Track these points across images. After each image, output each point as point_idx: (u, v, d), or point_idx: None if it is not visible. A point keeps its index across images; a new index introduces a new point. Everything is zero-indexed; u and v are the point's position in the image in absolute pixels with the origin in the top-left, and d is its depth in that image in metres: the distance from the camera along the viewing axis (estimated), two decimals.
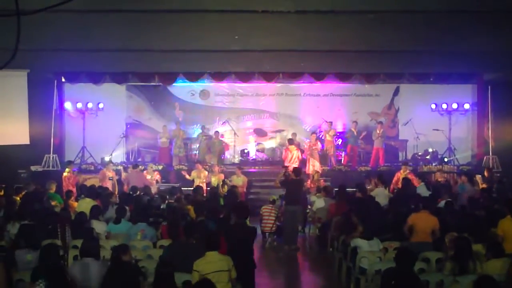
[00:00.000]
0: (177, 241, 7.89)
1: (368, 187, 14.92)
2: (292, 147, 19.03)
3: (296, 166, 18.40)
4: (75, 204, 12.67)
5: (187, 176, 17.87)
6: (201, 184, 16.29)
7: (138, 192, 14.11)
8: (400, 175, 16.51)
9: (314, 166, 18.88)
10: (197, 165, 18.19)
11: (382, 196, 13.56)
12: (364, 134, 20.63)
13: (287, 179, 13.84)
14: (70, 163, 17.79)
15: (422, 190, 14.08)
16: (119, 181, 17.68)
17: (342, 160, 20.71)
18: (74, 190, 15.72)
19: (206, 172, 17.85)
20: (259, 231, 11.92)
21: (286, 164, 18.01)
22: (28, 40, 13.11)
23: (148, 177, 17.66)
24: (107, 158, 19.98)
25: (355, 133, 20.43)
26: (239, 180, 17.30)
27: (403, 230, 9.43)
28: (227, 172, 19.14)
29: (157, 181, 17.85)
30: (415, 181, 16.01)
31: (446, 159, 20.52)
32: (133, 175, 17.27)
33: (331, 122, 20.92)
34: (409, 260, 6.52)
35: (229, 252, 7.64)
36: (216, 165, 18.72)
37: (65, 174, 16.86)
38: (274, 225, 13.77)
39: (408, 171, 16.92)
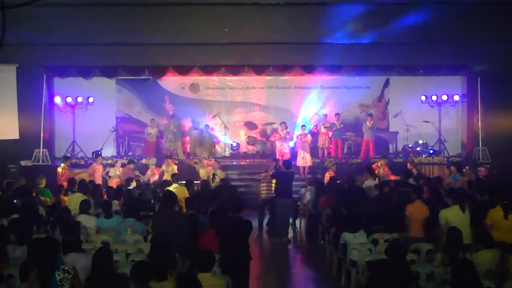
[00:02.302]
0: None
1: (364, 180, 14.85)
2: (282, 130, 19.48)
3: (287, 150, 19.11)
4: (66, 198, 12.60)
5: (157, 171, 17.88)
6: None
7: (132, 187, 14.09)
8: (376, 167, 16.51)
9: (304, 158, 18.92)
10: (167, 160, 18.15)
11: (373, 188, 13.56)
12: (341, 126, 20.49)
13: (277, 172, 13.83)
14: (67, 158, 17.74)
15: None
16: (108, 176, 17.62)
17: (331, 153, 20.65)
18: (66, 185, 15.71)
19: (175, 166, 17.81)
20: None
21: (276, 145, 19.29)
22: (17, 34, 13.05)
23: (149, 173, 17.76)
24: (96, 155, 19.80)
25: (337, 125, 20.37)
26: (205, 171, 17.08)
27: (403, 223, 9.41)
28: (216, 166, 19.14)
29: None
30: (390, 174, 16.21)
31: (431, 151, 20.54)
32: (123, 171, 17.26)
33: (326, 115, 20.91)
34: (401, 252, 6.52)
35: (222, 246, 7.65)
36: (206, 158, 18.69)
37: (59, 169, 16.82)
38: (270, 190, 14.02)
39: (384, 164, 16.99)
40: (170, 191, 9.21)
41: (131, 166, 17.61)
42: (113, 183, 16.37)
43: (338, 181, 14.92)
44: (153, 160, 19.18)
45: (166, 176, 16.91)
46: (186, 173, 17.46)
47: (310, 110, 22.67)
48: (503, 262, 6.63)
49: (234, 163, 20.42)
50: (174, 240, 6.92)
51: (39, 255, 6.25)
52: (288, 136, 19.47)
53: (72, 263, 6.33)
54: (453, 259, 6.62)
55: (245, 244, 7.85)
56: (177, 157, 20.07)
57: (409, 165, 16.26)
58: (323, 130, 20.28)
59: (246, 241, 7.90)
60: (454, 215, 8.63)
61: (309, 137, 19.37)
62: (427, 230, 9.15)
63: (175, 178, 13.80)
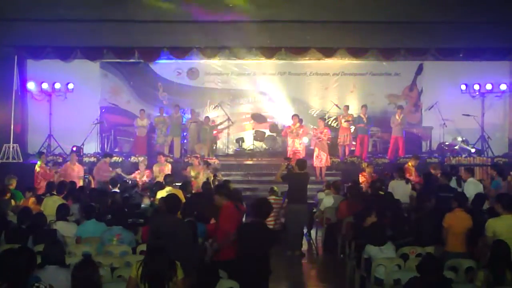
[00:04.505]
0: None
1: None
2: (294, 124, 19.38)
3: (301, 147, 19.09)
4: (31, 201, 12.60)
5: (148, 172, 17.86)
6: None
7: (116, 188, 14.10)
8: (408, 167, 16.47)
9: (319, 157, 18.85)
10: (159, 157, 18.16)
11: (401, 191, 13.53)
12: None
13: (290, 173, 13.79)
14: (41, 154, 17.74)
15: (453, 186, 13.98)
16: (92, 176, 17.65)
17: (355, 151, 20.58)
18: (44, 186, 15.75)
19: (170, 166, 17.85)
20: None
21: (288, 141, 19.24)
22: None
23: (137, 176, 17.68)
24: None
25: (364, 119, 20.29)
26: (196, 173, 17.05)
27: (439, 234, 9.36)
28: (218, 165, 19.19)
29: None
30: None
31: (473, 150, 20.39)
32: (99, 167, 17.26)
33: (347, 106, 20.86)
34: (435, 270, 6.48)
35: (240, 255, 7.85)
36: (198, 157, 18.72)
37: (37, 168, 16.82)
38: (277, 221, 13.83)
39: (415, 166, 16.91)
40: (175, 194, 9.23)
41: (107, 160, 17.56)
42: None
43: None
44: (141, 158, 19.08)
45: (160, 178, 16.93)
46: (180, 174, 17.50)
47: (328, 101, 22.63)
48: None
49: (248, 162, 20.58)
50: (176, 252, 6.95)
51: (10, 268, 6.23)
52: (301, 131, 19.40)
53: (49, 279, 6.32)
54: (498, 279, 6.59)
55: (266, 256, 8.05)
56: (171, 155, 20.06)
57: (432, 171, 16.15)
58: (344, 124, 20.22)
59: (267, 253, 8.09)
60: (504, 226, 8.56)
61: (325, 132, 19.23)
62: (469, 244, 9.09)
63: (170, 179, 13.78)
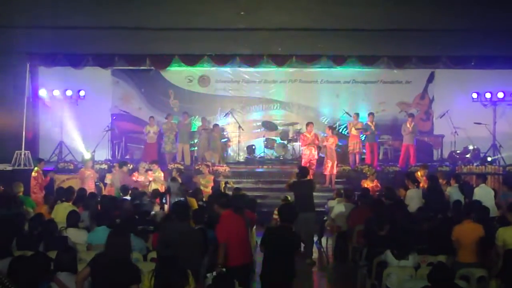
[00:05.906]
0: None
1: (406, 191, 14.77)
2: (310, 132, 19.18)
3: (316, 156, 18.97)
4: (43, 208, 12.62)
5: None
6: (158, 187, 16.33)
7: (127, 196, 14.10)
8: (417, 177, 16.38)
9: (327, 166, 18.79)
10: (153, 165, 18.13)
11: (417, 199, 13.50)
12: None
13: (294, 181, 13.77)
14: (40, 161, 17.74)
15: (454, 193, 13.91)
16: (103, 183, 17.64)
17: (365, 159, 20.49)
18: (43, 193, 15.73)
19: (162, 174, 17.87)
20: None
21: (303, 150, 19.17)
22: None
23: (141, 178, 17.60)
24: (87, 156, 19.73)
25: (372, 127, 20.24)
26: (206, 181, 17.33)
27: (452, 246, 9.31)
28: (229, 173, 19.21)
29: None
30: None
31: (489, 158, 20.30)
32: (118, 176, 17.24)
33: (357, 114, 20.79)
34: (447, 279, 6.44)
35: (268, 258, 8.04)
36: (209, 165, 18.74)
37: (33, 174, 16.85)
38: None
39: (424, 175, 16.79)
40: (184, 201, 9.25)
41: (124, 169, 17.57)
42: (109, 191, 16.45)
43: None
44: (145, 164, 19.06)
45: (154, 186, 16.98)
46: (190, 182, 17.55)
47: (339, 109, 22.58)
48: None
49: (259, 170, 20.56)
50: (186, 260, 6.95)
51: (22, 274, 6.23)
52: (317, 141, 19.27)
53: (60, 284, 6.33)
54: None
55: (292, 259, 8.19)
56: (182, 162, 20.05)
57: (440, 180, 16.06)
58: (354, 132, 20.17)
59: (293, 256, 8.24)
60: None
61: (330, 140, 19.11)
62: (480, 253, 9.02)
63: (183, 188, 13.82)
